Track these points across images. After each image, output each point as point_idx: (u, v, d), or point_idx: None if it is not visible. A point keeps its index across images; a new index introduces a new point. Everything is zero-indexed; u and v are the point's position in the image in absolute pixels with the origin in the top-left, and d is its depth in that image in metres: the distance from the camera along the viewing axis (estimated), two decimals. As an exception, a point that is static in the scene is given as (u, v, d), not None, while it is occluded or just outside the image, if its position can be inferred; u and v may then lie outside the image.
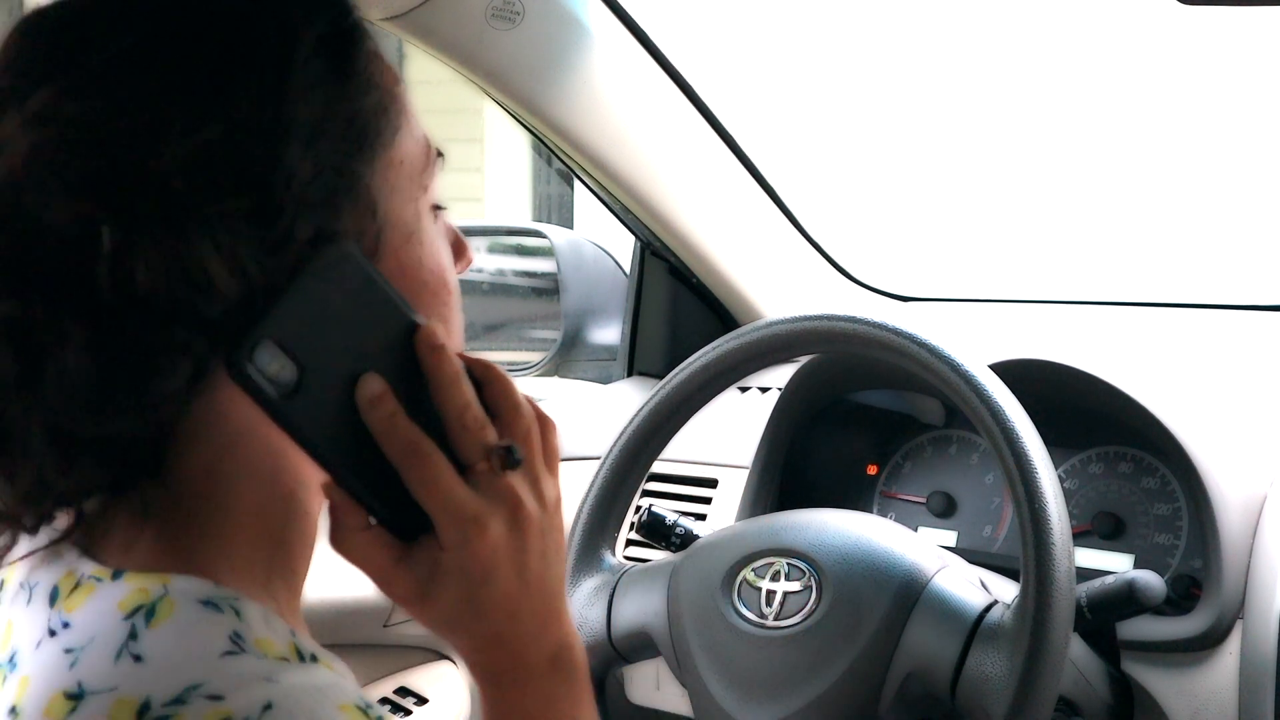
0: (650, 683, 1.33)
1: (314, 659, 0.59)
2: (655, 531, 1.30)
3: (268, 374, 0.56)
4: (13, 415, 0.56)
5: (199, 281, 0.55)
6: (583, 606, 1.20)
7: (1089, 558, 1.26)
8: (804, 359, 1.38)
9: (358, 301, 0.59)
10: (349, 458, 0.59)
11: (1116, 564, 1.25)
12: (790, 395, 1.41)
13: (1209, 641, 1.14)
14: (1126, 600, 1.08)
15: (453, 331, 0.67)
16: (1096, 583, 1.10)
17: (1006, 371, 1.11)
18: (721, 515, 1.44)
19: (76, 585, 0.59)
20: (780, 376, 1.49)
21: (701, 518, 1.45)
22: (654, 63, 1.50)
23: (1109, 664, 1.16)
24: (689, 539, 1.28)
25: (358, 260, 0.59)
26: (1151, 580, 1.08)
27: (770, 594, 1.12)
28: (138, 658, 0.55)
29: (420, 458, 0.59)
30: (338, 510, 0.61)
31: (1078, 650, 1.13)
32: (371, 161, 0.61)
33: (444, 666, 1.54)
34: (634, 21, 1.46)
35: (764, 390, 1.57)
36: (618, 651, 1.19)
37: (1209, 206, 5.29)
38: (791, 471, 1.43)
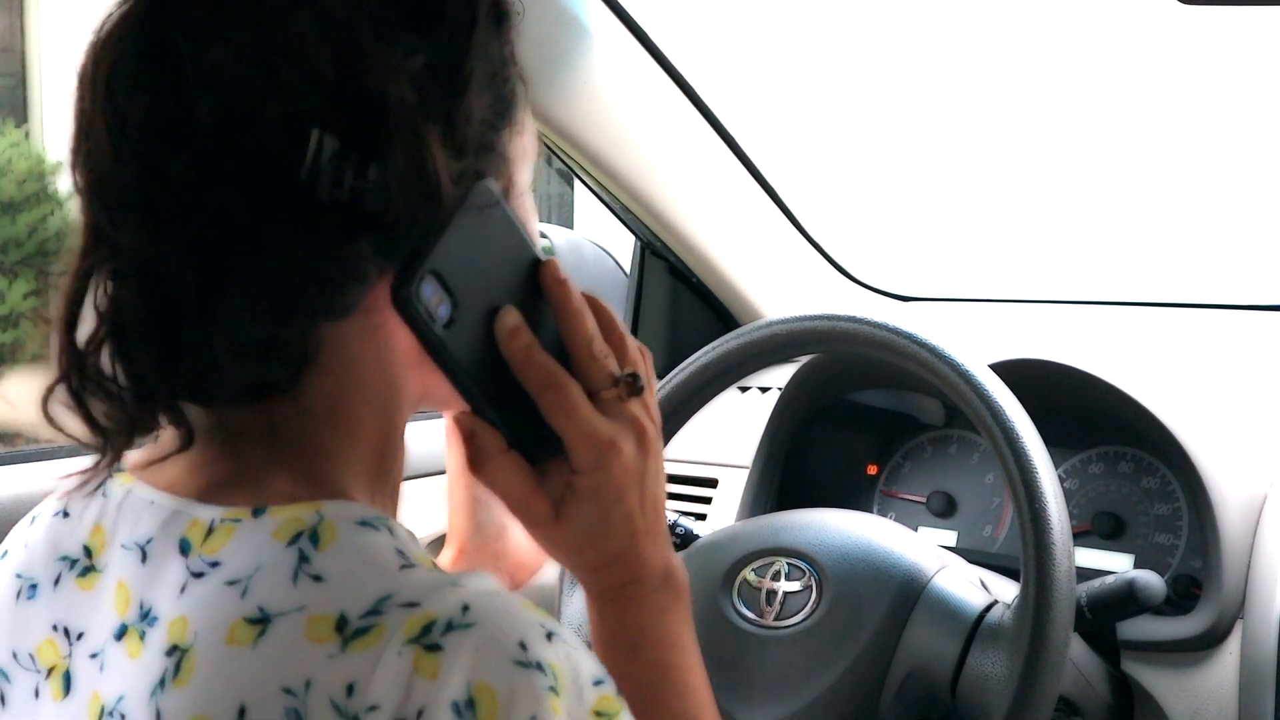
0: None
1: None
2: (655, 531, 1.30)
3: (429, 306, 0.59)
4: (187, 313, 0.57)
5: (428, 188, 0.58)
6: (583, 607, 1.20)
7: (1089, 558, 1.26)
8: (804, 359, 1.38)
9: (499, 238, 0.63)
10: (490, 387, 0.62)
11: (1116, 564, 1.25)
12: (790, 395, 1.41)
13: (1209, 641, 1.14)
14: (1126, 600, 1.08)
15: None
16: (1096, 583, 1.10)
17: (1006, 371, 1.11)
18: (721, 515, 1.44)
19: (210, 531, 0.59)
20: (780, 376, 1.49)
21: (701, 517, 1.45)
22: (654, 63, 1.50)
23: (1109, 664, 1.16)
24: (689, 539, 1.28)
25: (501, 200, 0.63)
26: (1151, 580, 1.08)
27: (770, 594, 1.12)
28: (317, 578, 0.56)
29: (557, 387, 0.63)
30: (477, 437, 0.64)
31: (1078, 650, 1.13)
32: (510, 122, 0.66)
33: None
34: (634, 21, 1.46)
35: (764, 390, 1.57)
36: (618, 651, 1.19)
37: (1209, 206, 5.29)
38: (791, 471, 1.43)
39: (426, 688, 0.53)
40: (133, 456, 0.64)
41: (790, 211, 1.70)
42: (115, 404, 0.60)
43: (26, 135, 6.75)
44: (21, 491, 1.21)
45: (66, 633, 0.64)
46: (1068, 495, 1.28)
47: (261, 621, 0.56)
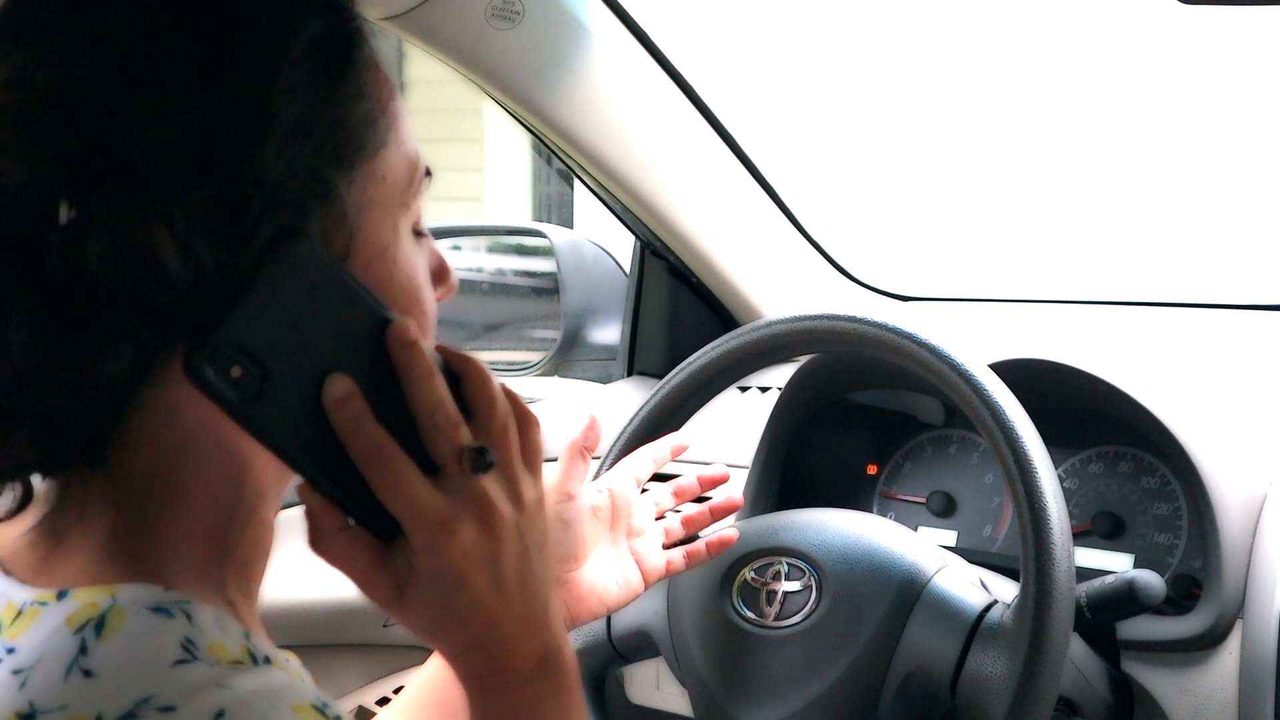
0: (650, 682, 1.34)
1: (268, 661, 0.58)
2: (655, 531, 1.30)
3: (230, 376, 0.54)
4: None
5: (149, 266, 0.54)
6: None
7: (1089, 557, 1.26)
8: (804, 359, 1.38)
9: (324, 300, 0.57)
10: (321, 460, 0.57)
11: (1116, 564, 1.25)
12: (790, 395, 1.41)
13: (1209, 641, 1.14)
14: (1126, 600, 1.08)
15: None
16: (1096, 582, 1.10)
17: (1006, 371, 1.11)
18: (721, 515, 1.44)
19: (19, 614, 0.58)
20: (780, 376, 1.49)
21: (701, 517, 1.44)
22: (654, 63, 1.50)
23: (1109, 664, 1.16)
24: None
25: (322, 258, 0.57)
26: (1151, 580, 1.08)
27: (770, 593, 1.12)
28: (88, 673, 0.54)
29: (384, 461, 0.57)
30: (313, 513, 0.59)
31: (1078, 650, 1.13)
32: (350, 170, 0.60)
33: (444, 666, 1.54)
34: (634, 21, 1.46)
35: (764, 390, 1.57)
36: (618, 651, 1.19)
37: (1209, 206, 5.29)
38: (791, 471, 1.43)
39: None
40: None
41: (790, 211, 1.70)
42: None
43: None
44: None
45: None
46: (1068, 495, 1.28)
47: (28, 719, 0.54)
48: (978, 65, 5.72)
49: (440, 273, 0.69)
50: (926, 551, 1.11)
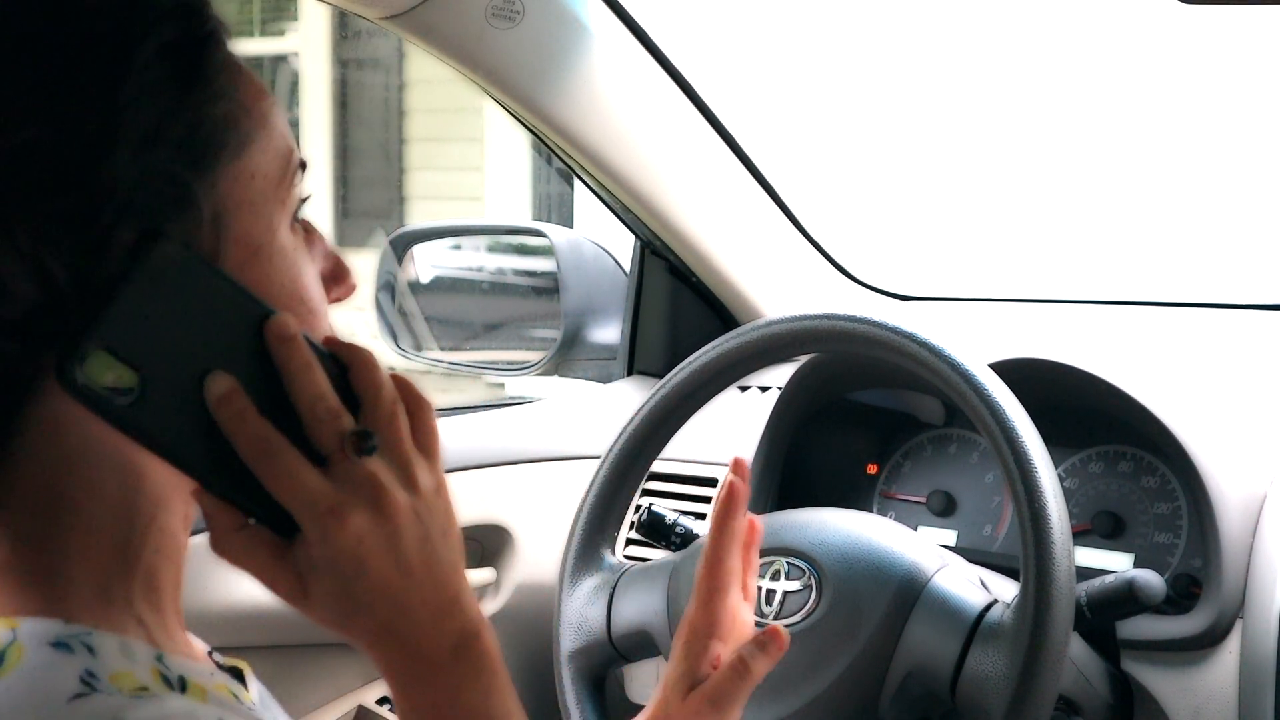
0: (650, 682, 1.34)
1: (182, 681, 0.58)
2: (655, 531, 1.30)
3: (103, 383, 0.54)
4: None
5: None
6: (583, 605, 1.20)
7: (1089, 557, 1.26)
8: (804, 358, 1.38)
9: (195, 299, 0.57)
10: (209, 459, 0.57)
11: (1116, 563, 1.25)
12: (790, 395, 1.41)
13: (1209, 640, 1.14)
14: (1126, 599, 1.08)
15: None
16: (1096, 582, 1.10)
17: (1006, 371, 1.11)
18: (721, 514, 1.44)
19: None
20: (780, 376, 1.49)
21: (701, 517, 1.45)
22: (654, 62, 1.50)
23: (1109, 663, 1.16)
24: (689, 538, 1.28)
25: (189, 258, 0.57)
26: (1151, 579, 1.08)
27: (770, 593, 1.12)
28: None
29: (269, 454, 0.57)
30: (210, 514, 0.59)
31: (1078, 649, 1.13)
32: (211, 172, 0.60)
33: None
34: (634, 21, 1.46)
35: (764, 390, 1.57)
36: (618, 650, 1.19)
37: (1209, 206, 5.29)
38: (791, 471, 1.43)
39: None
40: None
41: (790, 211, 1.70)
42: None
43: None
44: None
45: None
46: (1068, 494, 1.28)
47: None
48: (978, 65, 5.72)
49: (337, 270, 0.68)
50: (926, 551, 1.11)
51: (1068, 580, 0.98)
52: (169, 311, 0.56)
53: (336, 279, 0.68)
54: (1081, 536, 1.26)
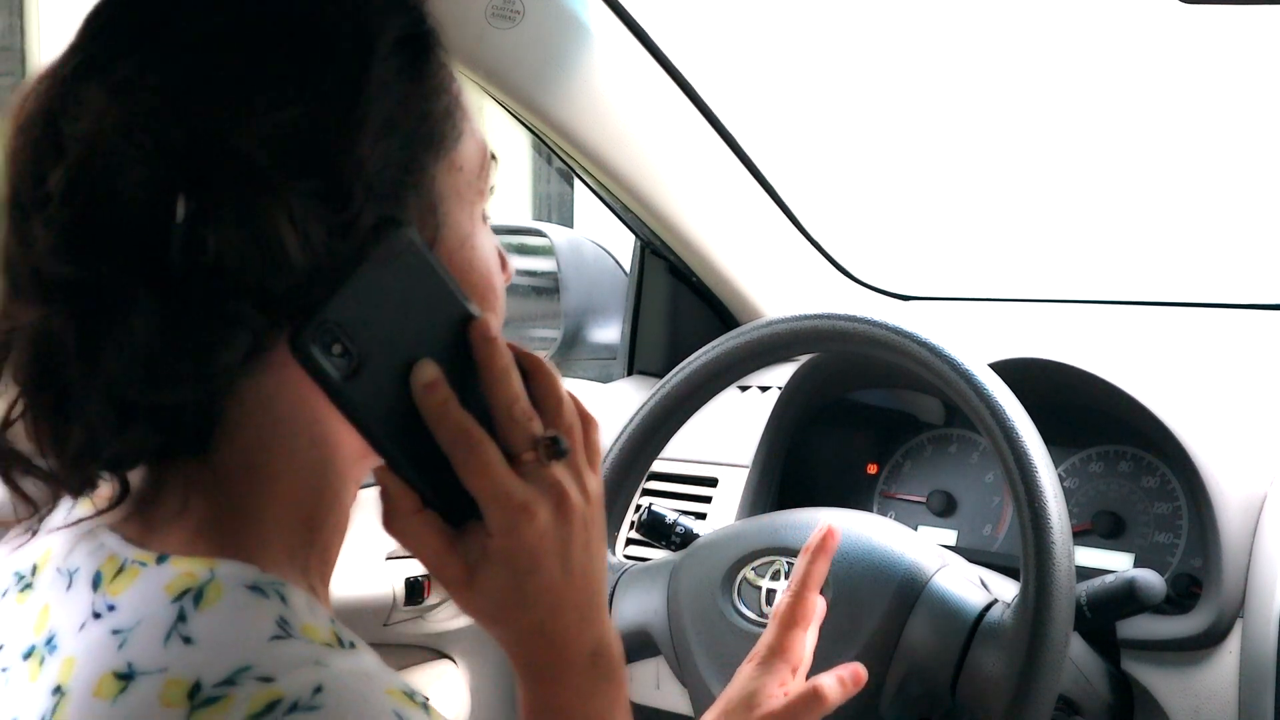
0: (650, 682, 1.34)
1: (353, 646, 0.60)
2: (655, 530, 1.30)
3: (331, 354, 0.57)
4: (71, 378, 0.57)
5: (271, 253, 0.56)
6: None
7: (1089, 556, 1.26)
8: (804, 358, 1.38)
9: (418, 289, 0.60)
10: (402, 442, 0.60)
11: (1116, 563, 1.25)
12: (790, 394, 1.41)
13: (1209, 640, 1.14)
14: (1126, 599, 1.08)
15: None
16: (1096, 582, 1.10)
17: (1006, 370, 1.11)
18: (721, 514, 1.44)
19: (120, 570, 0.60)
20: (780, 376, 1.49)
21: (701, 517, 1.45)
22: (654, 62, 1.50)
23: (1109, 663, 1.16)
24: (689, 538, 1.28)
25: (420, 249, 0.61)
26: (1151, 579, 1.08)
27: (770, 593, 1.12)
28: (187, 640, 0.56)
29: (470, 444, 0.60)
30: (390, 494, 0.61)
31: (1078, 649, 1.13)
32: (435, 162, 0.63)
33: (444, 666, 1.54)
34: (634, 21, 1.46)
35: (764, 389, 1.57)
36: (618, 650, 1.19)
37: (1209, 206, 5.29)
38: (791, 471, 1.43)
39: None
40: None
41: (790, 211, 1.70)
42: (36, 475, 0.61)
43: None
44: None
45: None
46: (1068, 494, 1.28)
47: (127, 678, 0.56)
48: (978, 65, 5.72)
49: (502, 258, 0.71)
50: (926, 551, 1.11)
51: (1068, 580, 0.98)
52: (392, 297, 0.59)
53: (502, 266, 0.71)
54: (1081, 536, 1.26)
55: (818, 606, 0.97)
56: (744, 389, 1.59)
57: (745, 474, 1.42)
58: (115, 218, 0.57)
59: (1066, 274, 5.11)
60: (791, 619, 0.94)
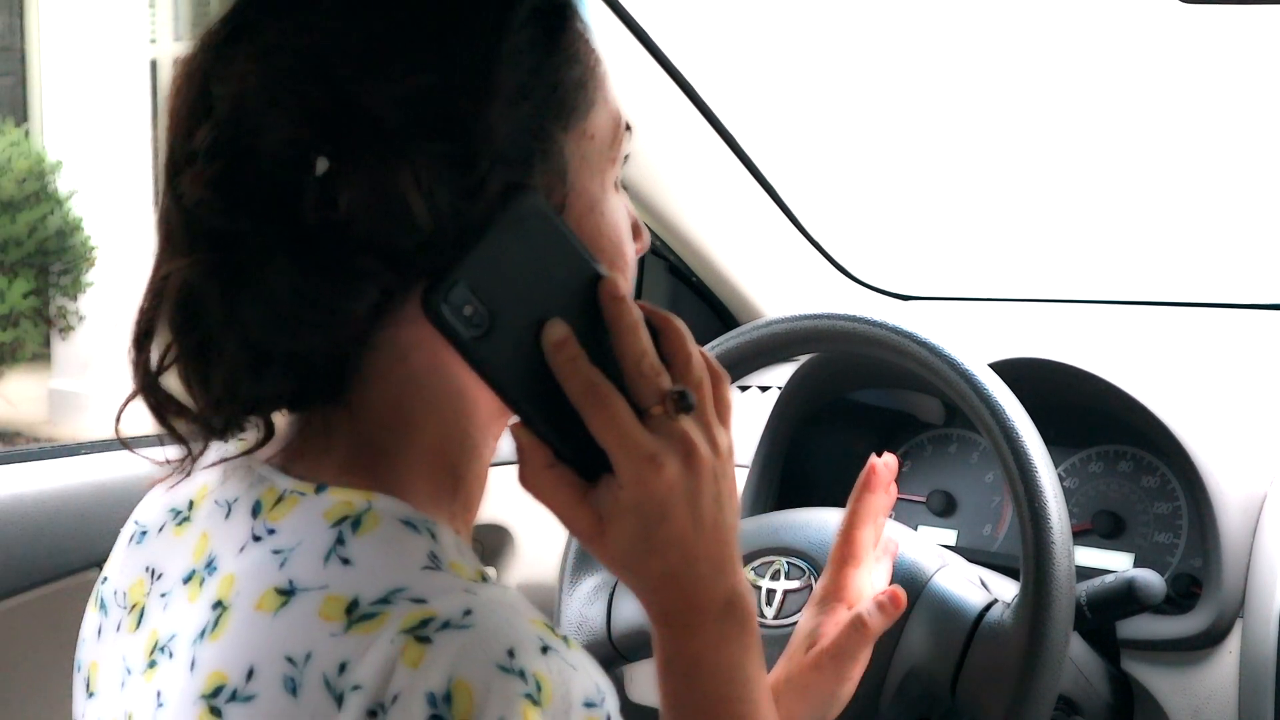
0: (650, 682, 1.33)
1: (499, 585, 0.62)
2: (655, 530, 1.30)
3: (462, 314, 0.60)
4: (212, 324, 0.61)
5: (398, 212, 0.59)
6: (583, 605, 1.20)
7: (1089, 556, 1.26)
8: (804, 358, 1.38)
9: (546, 251, 0.63)
10: (534, 398, 0.63)
11: (1116, 563, 1.25)
12: (790, 394, 1.41)
13: (1209, 640, 1.14)
14: (1126, 599, 1.08)
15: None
16: (1096, 581, 1.10)
17: (1006, 370, 1.11)
18: (721, 514, 1.44)
19: (279, 499, 0.64)
20: (780, 376, 1.49)
21: (701, 517, 1.44)
22: (654, 62, 1.50)
23: (1109, 663, 1.16)
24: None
25: (547, 212, 0.63)
26: (1151, 579, 1.08)
27: (770, 593, 1.12)
28: (346, 561, 0.60)
29: (600, 399, 0.62)
30: (524, 449, 0.64)
31: (1078, 649, 1.13)
32: (566, 130, 0.65)
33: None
34: (634, 21, 1.46)
35: (764, 389, 1.57)
36: (618, 650, 1.19)
37: (1209, 206, 5.29)
38: (791, 470, 1.43)
39: (406, 675, 0.55)
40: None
41: (790, 211, 1.70)
42: (186, 416, 0.65)
43: (26, 134, 6.76)
44: (22, 490, 1.20)
45: (152, 573, 0.69)
46: (1068, 494, 1.28)
47: (288, 593, 0.59)
48: (978, 65, 5.72)
49: (634, 227, 0.73)
50: (926, 551, 1.11)
51: (1068, 580, 0.98)
52: (521, 259, 0.62)
53: (635, 234, 0.73)
54: (1081, 536, 1.26)
55: (870, 540, 0.97)
56: (744, 389, 1.59)
57: (745, 474, 1.42)
58: (256, 173, 0.59)
59: (1066, 274, 5.11)
60: (842, 558, 0.96)
